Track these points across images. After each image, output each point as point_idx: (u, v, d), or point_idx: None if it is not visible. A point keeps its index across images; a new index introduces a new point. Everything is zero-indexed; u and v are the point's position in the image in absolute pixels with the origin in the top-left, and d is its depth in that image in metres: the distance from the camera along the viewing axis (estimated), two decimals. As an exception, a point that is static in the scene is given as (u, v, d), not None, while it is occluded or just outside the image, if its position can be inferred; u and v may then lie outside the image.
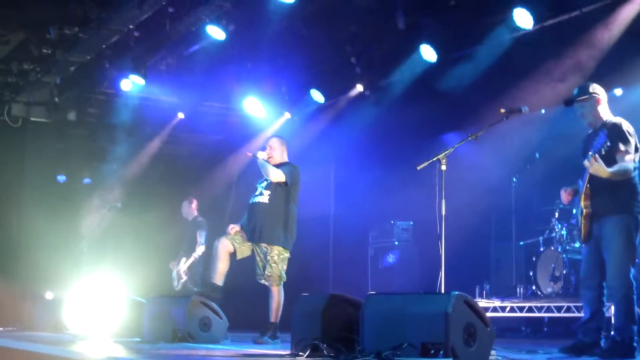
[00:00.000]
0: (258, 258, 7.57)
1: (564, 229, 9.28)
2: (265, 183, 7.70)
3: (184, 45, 10.27)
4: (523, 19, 8.46)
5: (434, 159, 5.98)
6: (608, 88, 6.18)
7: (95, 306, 8.32)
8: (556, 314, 8.66)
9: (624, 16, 8.21)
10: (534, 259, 9.56)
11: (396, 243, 11.19)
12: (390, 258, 11.15)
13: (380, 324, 4.98)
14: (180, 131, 13.45)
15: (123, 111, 12.24)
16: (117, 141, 12.61)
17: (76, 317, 8.71)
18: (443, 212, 5.84)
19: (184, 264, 11.03)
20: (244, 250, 7.62)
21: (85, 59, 10.84)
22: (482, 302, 9.15)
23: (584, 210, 5.68)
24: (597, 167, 5.42)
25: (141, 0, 8.79)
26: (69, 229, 11.92)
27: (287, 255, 7.57)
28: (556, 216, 9.40)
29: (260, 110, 12.16)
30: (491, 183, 10.13)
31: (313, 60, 10.86)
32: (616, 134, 5.59)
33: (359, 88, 11.01)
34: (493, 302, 9.33)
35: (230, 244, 7.57)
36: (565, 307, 8.55)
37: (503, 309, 9.21)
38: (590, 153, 5.46)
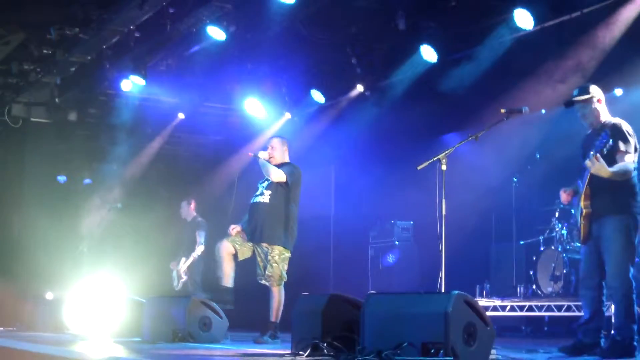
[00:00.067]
0: (259, 258, 7.56)
1: (564, 228, 9.29)
2: (266, 183, 7.69)
3: (185, 46, 10.27)
4: (523, 19, 8.46)
5: (434, 159, 5.98)
6: (608, 88, 6.20)
7: (96, 306, 8.34)
8: (556, 313, 8.67)
9: (624, 17, 8.23)
10: (534, 258, 9.57)
11: (396, 243, 11.19)
12: (391, 258, 11.15)
13: (381, 323, 4.98)
14: (180, 132, 13.46)
15: (123, 112, 12.23)
16: (118, 142, 12.59)
17: (76, 317, 8.73)
18: (443, 212, 5.85)
19: (183, 264, 11.04)
20: (245, 251, 7.61)
21: (85, 60, 10.84)
22: (482, 302, 9.15)
23: (584, 211, 5.68)
24: (598, 166, 5.42)
25: (142, 0, 8.80)
26: (69, 230, 11.94)
27: (287, 255, 7.56)
28: (556, 216, 9.41)
29: (260, 111, 12.16)
30: (491, 183, 10.13)
31: (313, 60, 10.88)
32: (616, 134, 5.59)
33: (360, 88, 11.02)
34: (493, 302, 9.33)
35: (231, 246, 7.56)
36: (565, 306, 8.56)
37: (503, 308, 9.21)
38: (591, 153, 5.46)
